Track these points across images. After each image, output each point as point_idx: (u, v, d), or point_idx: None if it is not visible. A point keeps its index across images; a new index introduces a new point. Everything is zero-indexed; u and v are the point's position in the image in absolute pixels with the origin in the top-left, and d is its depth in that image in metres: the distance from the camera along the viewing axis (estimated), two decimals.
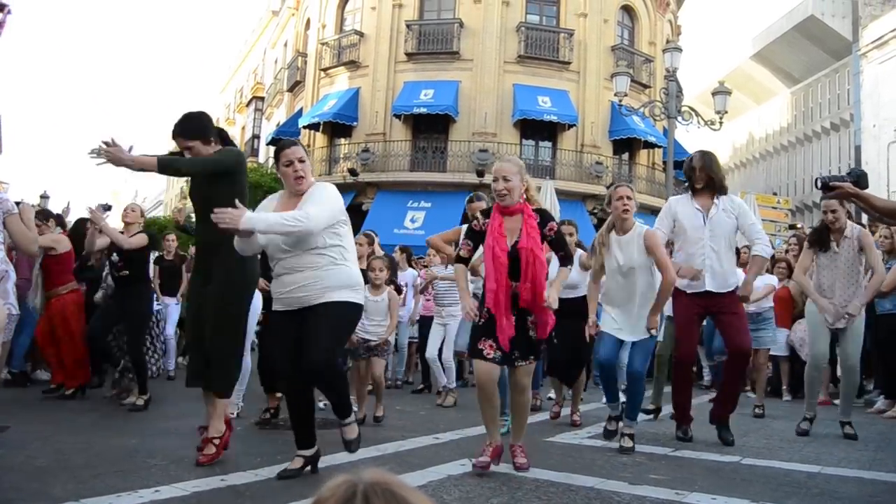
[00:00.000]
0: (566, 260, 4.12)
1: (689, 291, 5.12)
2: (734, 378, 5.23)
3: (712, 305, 5.11)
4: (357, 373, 5.98)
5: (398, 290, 6.54)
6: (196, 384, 4.23)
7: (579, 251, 6.07)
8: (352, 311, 3.86)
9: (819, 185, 3.87)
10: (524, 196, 4.06)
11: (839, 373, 6.23)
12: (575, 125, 21.76)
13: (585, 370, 6.38)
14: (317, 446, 3.88)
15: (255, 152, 32.22)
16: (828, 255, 5.56)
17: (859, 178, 3.86)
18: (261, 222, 3.52)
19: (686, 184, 5.42)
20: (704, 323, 6.14)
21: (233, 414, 5.29)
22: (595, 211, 21.29)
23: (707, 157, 5.23)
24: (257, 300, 5.29)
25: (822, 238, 5.59)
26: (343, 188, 21.81)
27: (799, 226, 22.55)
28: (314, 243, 3.74)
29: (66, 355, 6.60)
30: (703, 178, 5.14)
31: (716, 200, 5.12)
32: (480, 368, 3.98)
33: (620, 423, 5.03)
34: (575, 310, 5.56)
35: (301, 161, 3.81)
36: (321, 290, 3.73)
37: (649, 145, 23.36)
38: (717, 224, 5.09)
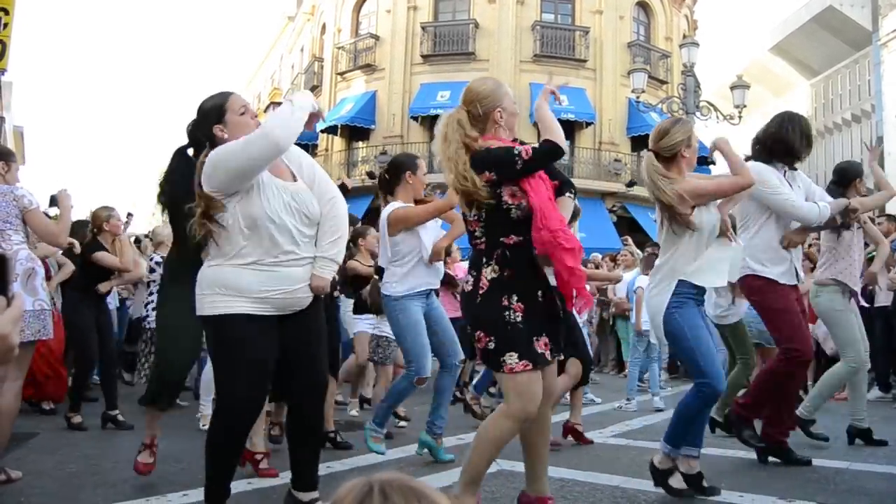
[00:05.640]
0: (565, 186, 3.16)
1: (783, 281, 4.24)
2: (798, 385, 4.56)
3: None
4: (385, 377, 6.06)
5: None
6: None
7: None
8: None
9: None
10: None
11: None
12: (592, 123, 21.69)
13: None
14: None
15: None
16: (851, 230, 4.79)
17: None
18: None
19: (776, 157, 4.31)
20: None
21: None
22: (615, 209, 21.21)
23: None
24: None
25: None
26: (361, 191, 21.88)
27: None
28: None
29: (38, 370, 6.06)
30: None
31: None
32: (536, 384, 2.83)
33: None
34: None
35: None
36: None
37: None
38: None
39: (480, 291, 2.85)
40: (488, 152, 2.86)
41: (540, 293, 2.89)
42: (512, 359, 2.77)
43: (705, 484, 3.55)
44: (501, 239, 2.86)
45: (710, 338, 3.50)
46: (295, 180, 3.00)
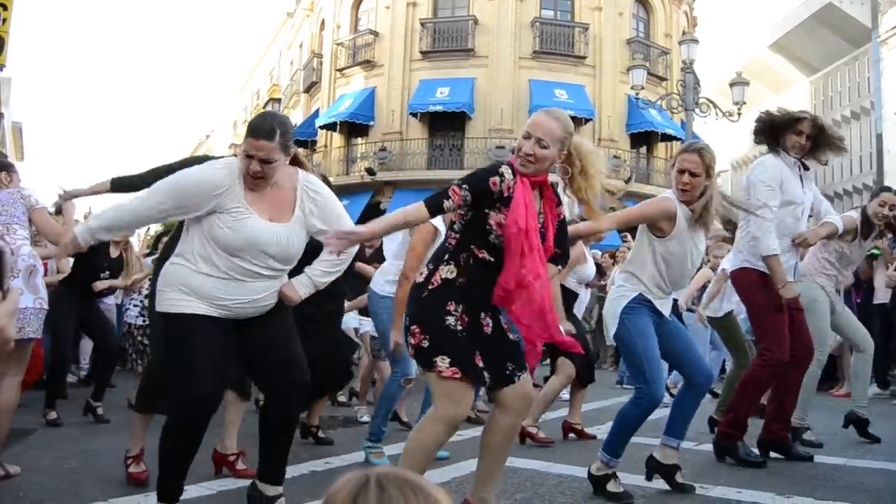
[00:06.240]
0: (562, 259, 3.08)
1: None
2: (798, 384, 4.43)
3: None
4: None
5: None
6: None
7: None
8: None
9: None
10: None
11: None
12: (592, 119, 21.66)
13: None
14: None
15: None
16: (855, 244, 4.90)
17: None
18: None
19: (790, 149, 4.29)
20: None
21: None
22: (613, 206, 21.21)
23: None
24: None
25: (868, 231, 4.88)
26: (361, 187, 21.90)
27: None
28: None
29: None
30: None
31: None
32: (468, 390, 2.74)
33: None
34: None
35: (267, 163, 2.78)
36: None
37: (667, 138, 23.18)
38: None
39: (430, 287, 2.76)
40: (486, 180, 2.72)
41: (482, 314, 2.79)
42: (444, 362, 2.67)
43: (679, 479, 3.55)
44: (472, 246, 2.77)
45: (657, 347, 3.43)
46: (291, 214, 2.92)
